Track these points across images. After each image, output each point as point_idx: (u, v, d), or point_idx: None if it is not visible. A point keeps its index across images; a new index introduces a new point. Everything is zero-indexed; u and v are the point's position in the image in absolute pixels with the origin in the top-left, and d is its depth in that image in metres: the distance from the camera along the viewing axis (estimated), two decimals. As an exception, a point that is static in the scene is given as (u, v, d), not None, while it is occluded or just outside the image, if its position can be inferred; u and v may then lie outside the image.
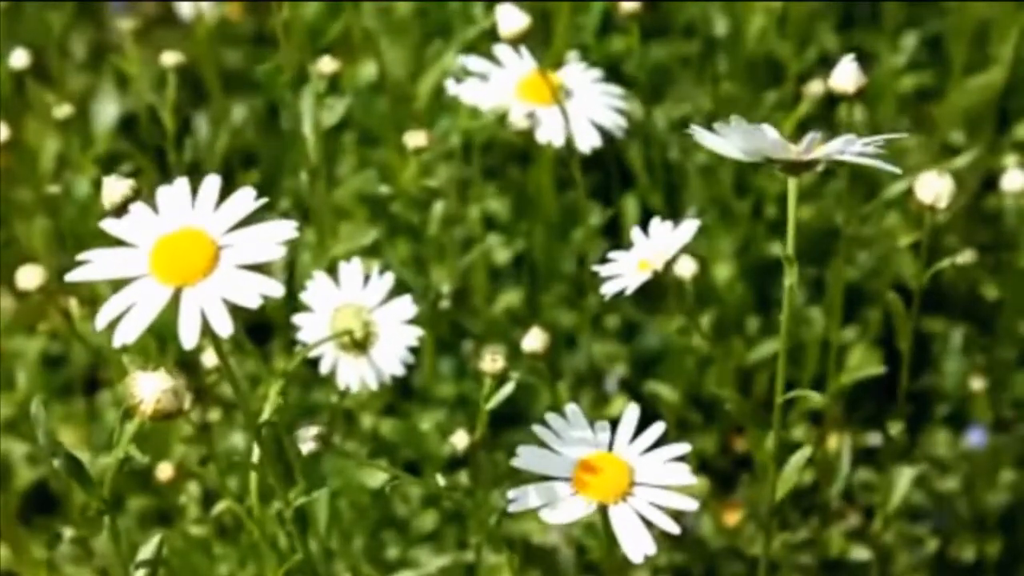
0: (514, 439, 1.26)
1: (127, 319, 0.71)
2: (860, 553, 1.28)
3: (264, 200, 0.75)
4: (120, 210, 0.81)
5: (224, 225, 0.74)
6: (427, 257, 1.26)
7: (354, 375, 1.03)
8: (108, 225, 0.77)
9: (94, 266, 0.75)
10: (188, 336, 0.71)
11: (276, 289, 0.71)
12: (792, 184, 0.81)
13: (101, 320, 0.72)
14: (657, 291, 0.91)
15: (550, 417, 0.87)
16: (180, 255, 0.73)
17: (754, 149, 0.80)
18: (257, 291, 0.71)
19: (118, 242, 0.76)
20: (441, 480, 0.94)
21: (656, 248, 0.90)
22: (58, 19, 1.51)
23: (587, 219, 1.22)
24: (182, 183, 0.76)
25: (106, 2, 1.63)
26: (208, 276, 0.72)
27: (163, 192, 0.77)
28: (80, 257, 0.75)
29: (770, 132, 0.79)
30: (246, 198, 0.75)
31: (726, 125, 0.79)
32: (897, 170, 0.79)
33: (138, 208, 0.77)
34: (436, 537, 1.26)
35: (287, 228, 0.73)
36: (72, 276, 0.75)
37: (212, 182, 0.76)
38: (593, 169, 1.28)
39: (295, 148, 1.30)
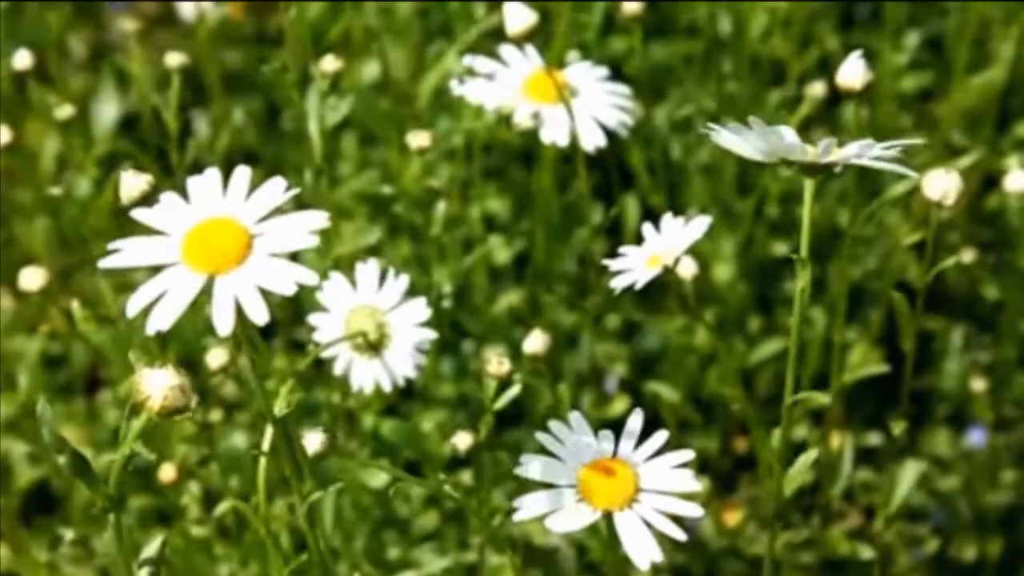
0: (515, 438, 1.26)
1: (161, 306, 0.71)
2: (861, 552, 1.28)
3: (296, 191, 0.75)
4: (137, 206, 0.81)
5: (256, 214, 0.74)
6: (428, 257, 1.26)
7: (367, 377, 1.04)
8: (138, 214, 0.77)
9: (125, 254, 0.75)
10: (223, 324, 0.71)
11: (310, 277, 0.71)
12: (809, 186, 0.82)
13: (132, 307, 0.72)
14: (658, 291, 0.91)
15: (554, 425, 0.87)
16: (213, 243, 0.73)
17: (772, 150, 0.80)
18: (292, 279, 0.71)
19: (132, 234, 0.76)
20: (446, 486, 0.94)
21: (667, 244, 0.90)
22: (58, 19, 1.51)
23: (589, 219, 1.22)
24: (213, 172, 0.77)
25: (106, 1, 1.63)
26: (242, 264, 0.72)
27: (193, 182, 0.77)
28: (111, 245, 0.75)
29: (788, 134, 0.79)
30: (277, 187, 0.75)
31: (743, 125, 0.79)
32: (913, 174, 0.79)
33: (168, 197, 0.77)
34: (438, 537, 1.26)
35: (319, 217, 0.73)
36: (104, 263, 0.75)
37: (242, 172, 0.76)
38: (594, 169, 1.28)
39: (298, 147, 1.30)
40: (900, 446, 1.18)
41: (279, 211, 0.75)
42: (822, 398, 0.87)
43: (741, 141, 0.80)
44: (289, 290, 0.71)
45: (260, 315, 0.71)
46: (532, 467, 0.86)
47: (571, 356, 1.35)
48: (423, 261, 1.28)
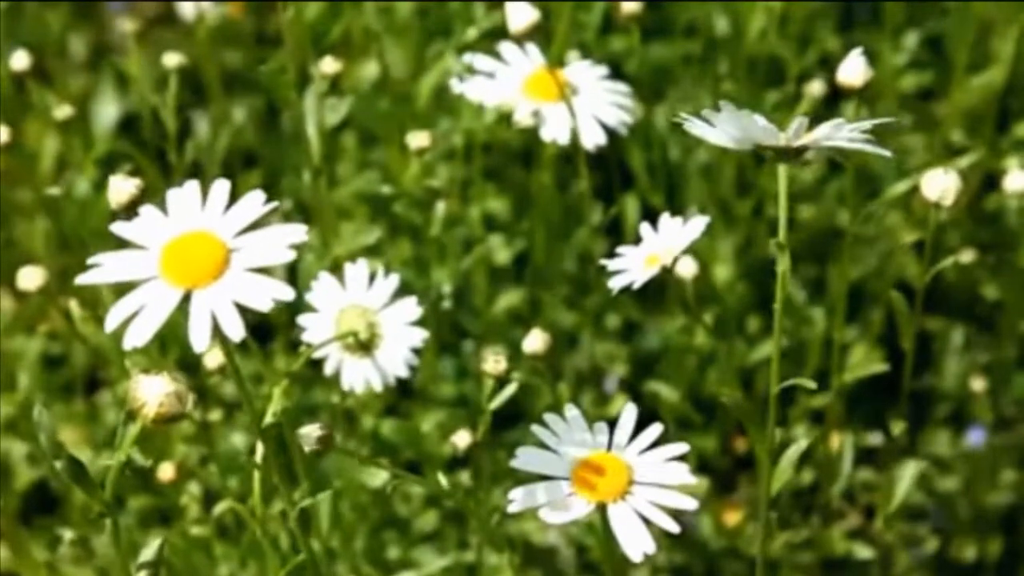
0: (515, 438, 1.26)
1: (138, 321, 0.71)
2: (861, 552, 1.28)
3: (274, 205, 0.75)
4: (127, 210, 0.81)
5: (234, 228, 0.74)
6: (428, 257, 1.25)
7: (359, 377, 1.03)
8: (117, 228, 0.76)
9: (104, 269, 0.75)
10: (199, 339, 0.70)
11: (287, 293, 0.71)
12: (782, 171, 0.81)
13: (111, 322, 0.72)
14: (658, 291, 0.91)
15: (549, 418, 0.87)
16: (190, 258, 0.73)
17: (744, 136, 0.80)
18: (268, 295, 0.71)
19: (123, 243, 0.76)
20: (443, 480, 0.94)
21: (665, 243, 0.90)
22: (58, 19, 1.51)
23: (589, 218, 1.22)
24: (192, 186, 0.76)
25: (106, 1, 1.63)
26: (219, 279, 0.72)
27: (172, 194, 0.77)
28: (90, 260, 0.75)
29: (759, 119, 0.79)
30: (255, 201, 0.75)
31: (716, 113, 0.79)
32: (887, 153, 0.79)
33: (147, 210, 0.77)
34: (437, 537, 1.26)
35: (297, 231, 0.73)
36: (82, 279, 0.75)
37: (222, 185, 0.76)
38: (594, 169, 1.28)
39: (297, 148, 1.30)
40: (900, 446, 1.18)
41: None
42: (810, 384, 0.87)
43: (712, 129, 0.80)
44: (266, 306, 0.71)
45: (236, 331, 0.71)
46: (526, 459, 0.86)
47: (571, 356, 1.35)
48: (423, 261, 1.27)
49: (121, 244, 0.76)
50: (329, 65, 1.10)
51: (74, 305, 1.11)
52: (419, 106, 1.30)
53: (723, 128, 0.79)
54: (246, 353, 1.12)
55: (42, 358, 1.38)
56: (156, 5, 1.62)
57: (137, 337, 0.71)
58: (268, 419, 0.81)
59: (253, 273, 0.72)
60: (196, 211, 0.75)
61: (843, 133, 0.79)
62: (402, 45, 1.40)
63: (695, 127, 0.80)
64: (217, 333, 0.71)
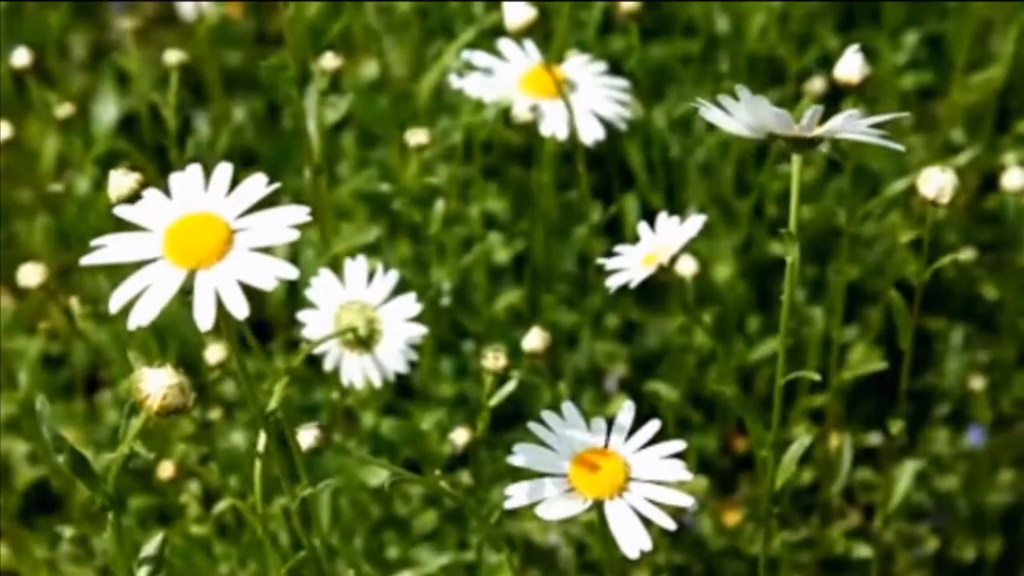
0: (514, 437, 1.26)
1: (142, 301, 0.72)
2: (861, 552, 1.28)
3: (276, 185, 0.75)
4: (127, 204, 0.81)
5: (237, 209, 0.74)
6: (427, 256, 1.26)
7: (358, 372, 1.04)
8: (121, 211, 0.77)
9: (108, 250, 0.75)
10: (203, 318, 0.71)
11: (290, 271, 0.72)
12: (796, 160, 0.81)
13: (115, 302, 0.72)
14: (658, 291, 0.91)
15: (547, 415, 0.87)
16: (194, 238, 0.73)
17: (759, 124, 0.80)
18: (272, 274, 0.71)
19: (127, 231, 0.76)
20: (442, 479, 0.94)
21: (662, 242, 0.90)
22: (58, 19, 1.51)
23: (589, 218, 1.22)
24: (194, 169, 0.77)
25: (106, 1, 1.63)
26: (223, 259, 0.72)
27: (175, 178, 0.77)
28: (95, 242, 0.75)
29: (774, 107, 0.79)
30: (258, 183, 0.75)
31: (732, 101, 0.79)
32: (900, 147, 0.79)
33: (151, 193, 0.78)
34: (436, 536, 1.26)
35: (300, 212, 0.73)
36: (87, 260, 0.75)
37: (224, 168, 0.76)
38: (593, 168, 1.28)
39: (297, 147, 1.30)
40: (899, 445, 1.18)
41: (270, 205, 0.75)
42: (814, 376, 0.87)
43: (728, 118, 0.80)
44: (269, 285, 0.71)
45: (240, 309, 0.71)
46: (524, 456, 0.86)
47: (571, 355, 1.35)
48: (422, 260, 1.28)
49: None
50: (330, 61, 1.10)
51: (74, 302, 1.11)
52: (419, 105, 1.30)
53: (738, 116, 0.80)
54: (247, 352, 1.12)
55: (42, 358, 1.38)
56: (156, 5, 1.62)
57: (141, 317, 0.71)
58: (271, 407, 0.82)
59: (257, 253, 0.72)
60: (199, 194, 0.76)
61: (856, 125, 0.79)
62: (402, 44, 1.40)
63: (711, 114, 0.80)
64: (220, 318, 0.72)
